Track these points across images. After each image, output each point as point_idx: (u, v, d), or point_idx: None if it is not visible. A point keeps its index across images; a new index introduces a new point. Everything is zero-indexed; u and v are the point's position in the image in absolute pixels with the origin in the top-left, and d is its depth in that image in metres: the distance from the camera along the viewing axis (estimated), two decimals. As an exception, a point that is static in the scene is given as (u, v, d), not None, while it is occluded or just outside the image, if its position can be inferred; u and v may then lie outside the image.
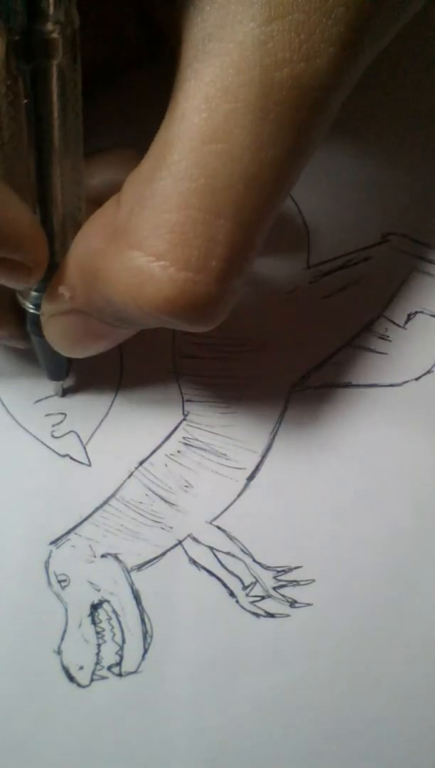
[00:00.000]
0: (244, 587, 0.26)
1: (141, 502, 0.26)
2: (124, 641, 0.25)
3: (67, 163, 0.20)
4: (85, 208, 0.21)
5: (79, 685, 0.25)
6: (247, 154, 0.18)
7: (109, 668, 0.25)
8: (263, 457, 0.27)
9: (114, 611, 0.26)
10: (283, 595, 0.26)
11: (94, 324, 0.22)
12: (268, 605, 0.26)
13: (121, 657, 0.25)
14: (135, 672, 0.25)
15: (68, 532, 0.26)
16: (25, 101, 0.18)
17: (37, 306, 0.23)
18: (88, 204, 0.22)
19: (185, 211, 0.19)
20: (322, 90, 0.19)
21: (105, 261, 0.20)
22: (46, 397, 0.27)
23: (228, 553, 0.26)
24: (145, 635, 0.25)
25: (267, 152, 0.18)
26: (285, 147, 0.19)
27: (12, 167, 0.19)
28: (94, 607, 0.26)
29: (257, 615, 0.26)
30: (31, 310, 0.23)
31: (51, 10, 0.17)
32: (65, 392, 0.27)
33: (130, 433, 0.27)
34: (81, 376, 0.27)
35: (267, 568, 0.26)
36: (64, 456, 0.27)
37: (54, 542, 0.26)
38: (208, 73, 0.18)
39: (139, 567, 0.26)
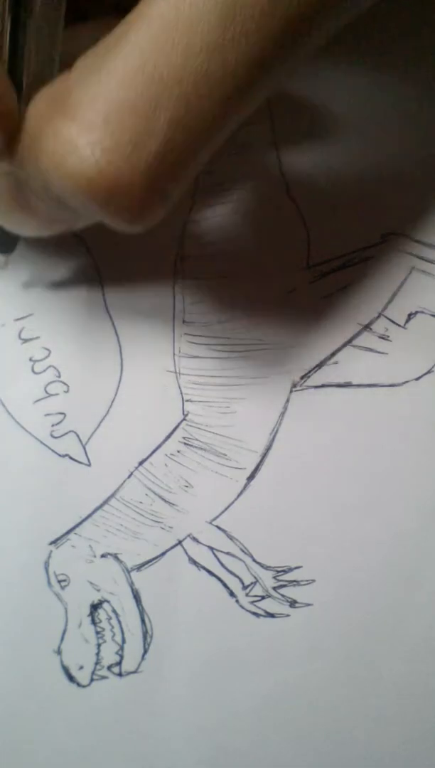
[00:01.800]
0: (244, 587, 0.26)
1: (141, 502, 0.26)
2: (124, 641, 0.25)
3: (44, 35, 0.19)
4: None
5: (79, 684, 0.25)
6: (204, 51, 0.18)
7: (109, 668, 0.25)
8: (263, 457, 0.27)
9: (114, 611, 0.26)
10: (283, 595, 0.26)
11: (27, 193, 0.21)
12: (268, 605, 0.26)
13: (121, 657, 0.25)
14: (135, 672, 0.25)
15: (68, 532, 0.26)
16: None
17: None
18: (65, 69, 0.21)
19: (126, 91, 0.18)
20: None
21: (41, 125, 0.19)
22: (45, 397, 0.27)
23: (228, 553, 0.26)
24: (145, 635, 0.25)
25: (226, 55, 0.18)
26: (247, 54, 0.18)
27: None
28: (94, 607, 0.26)
29: (257, 615, 0.26)
30: None
31: None
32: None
33: (130, 433, 0.27)
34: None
35: (267, 568, 0.26)
36: (63, 456, 0.27)
37: (54, 542, 0.26)
38: None
39: (139, 567, 0.26)
